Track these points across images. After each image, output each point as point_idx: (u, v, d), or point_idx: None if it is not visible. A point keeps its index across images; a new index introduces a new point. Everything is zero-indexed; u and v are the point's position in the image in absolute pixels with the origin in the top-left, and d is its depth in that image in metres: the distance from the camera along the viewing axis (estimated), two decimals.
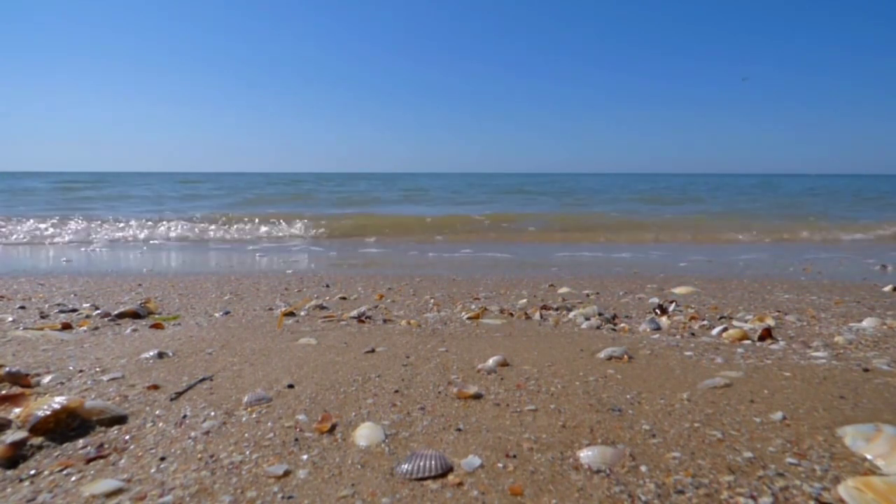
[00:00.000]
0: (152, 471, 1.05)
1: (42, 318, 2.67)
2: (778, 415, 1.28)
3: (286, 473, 1.04)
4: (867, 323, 2.45)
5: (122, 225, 9.37)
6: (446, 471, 1.04)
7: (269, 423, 1.26)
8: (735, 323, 2.53)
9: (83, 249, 6.93)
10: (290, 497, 0.96)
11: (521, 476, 1.03)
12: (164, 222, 9.56)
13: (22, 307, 2.95)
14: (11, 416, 1.21)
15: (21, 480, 1.02)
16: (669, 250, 6.89)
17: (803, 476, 1.01)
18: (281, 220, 9.88)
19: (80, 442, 1.16)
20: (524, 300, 3.30)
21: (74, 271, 4.77)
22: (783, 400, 1.39)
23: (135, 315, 2.67)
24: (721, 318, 2.68)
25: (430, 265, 5.46)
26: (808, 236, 8.75)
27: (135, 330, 2.35)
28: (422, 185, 30.76)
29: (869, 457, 1.07)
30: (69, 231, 8.66)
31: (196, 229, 9.17)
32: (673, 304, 3.00)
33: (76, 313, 2.80)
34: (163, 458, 1.09)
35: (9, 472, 1.04)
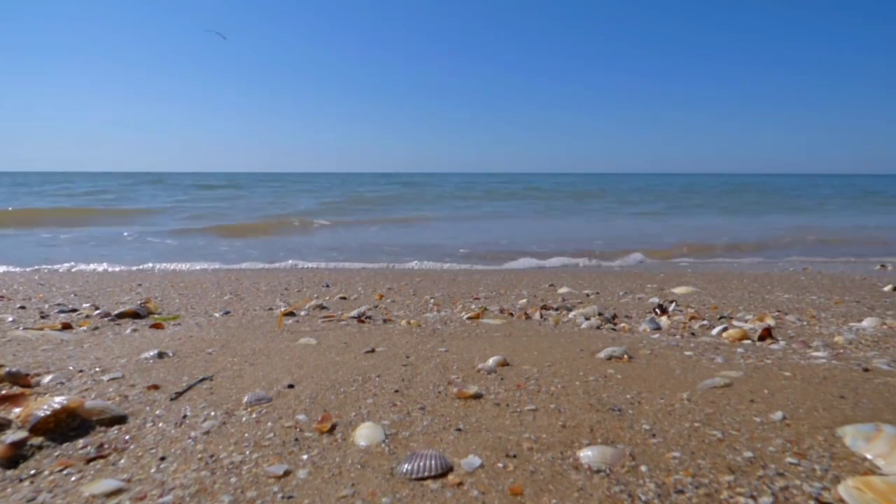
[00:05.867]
0: (152, 471, 1.05)
1: (42, 318, 2.67)
2: (778, 414, 1.28)
3: (286, 473, 1.04)
4: (867, 323, 2.45)
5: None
6: (446, 471, 1.04)
7: (269, 423, 1.26)
8: (735, 323, 2.53)
9: None
10: (290, 497, 0.96)
11: (521, 476, 1.03)
12: None
13: (22, 307, 2.95)
14: (11, 416, 1.21)
15: (21, 480, 1.02)
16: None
17: (803, 476, 1.01)
18: None
19: (80, 442, 1.16)
20: (524, 300, 3.30)
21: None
22: (783, 400, 1.39)
23: (135, 315, 2.67)
24: (721, 317, 2.68)
25: None
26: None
27: (135, 330, 2.35)
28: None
29: (869, 456, 1.07)
30: None
31: None
32: (673, 304, 3.00)
33: (76, 313, 2.80)
34: (163, 458, 1.09)
35: (9, 472, 1.04)
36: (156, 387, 1.49)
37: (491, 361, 1.73)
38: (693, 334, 2.28)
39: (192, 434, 1.20)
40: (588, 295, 3.50)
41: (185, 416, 1.29)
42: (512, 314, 2.83)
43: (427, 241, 8.23)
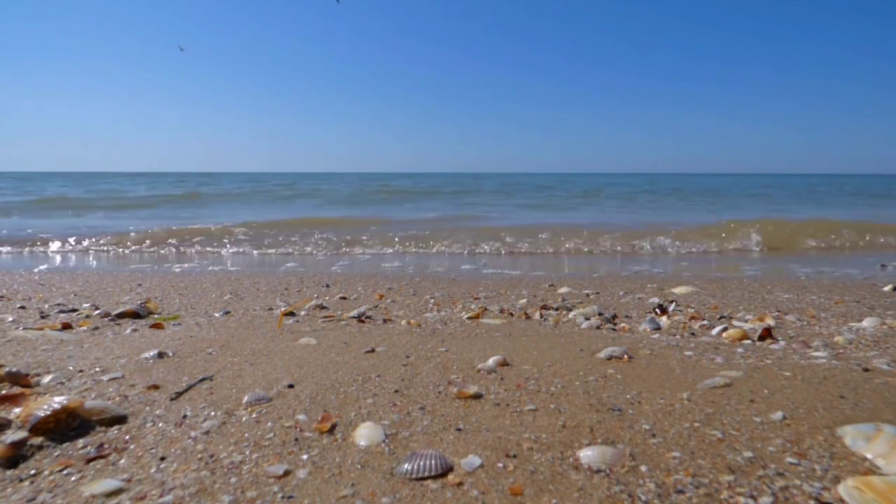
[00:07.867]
0: (152, 471, 1.05)
1: (42, 318, 2.67)
2: (778, 414, 1.28)
3: (286, 473, 1.04)
4: (867, 323, 2.45)
5: None
6: (446, 470, 1.04)
7: (269, 423, 1.26)
8: (735, 323, 2.52)
9: None
10: (290, 497, 0.96)
11: (521, 476, 1.03)
12: None
13: (22, 307, 2.95)
14: (11, 416, 1.21)
15: (21, 480, 1.02)
16: None
17: (803, 476, 1.01)
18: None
19: (80, 442, 1.16)
20: (524, 300, 3.30)
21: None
22: (783, 400, 1.39)
23: (135, 315, 2.67)
24: (721, 317, 2.68)
25: None
26: None
27: (135, 330, 2.35)
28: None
29: (869, 456, 1.07)
30: None
31: None
32: (673, 304, 2.99)
33: (76, 313, 2.80)
34: (163, 458, 1.09)
35: (9, 472, 1.04)
36: (156, 387, 1.49)
37: (491, 361, 1.73)
38: (693, 334, 2.28)
39: (192, 434, 1.20)
40: (588, 295, 3.50)
41: (185, 416, 1.29)
42: (512, 314, 2.83)
43: None
